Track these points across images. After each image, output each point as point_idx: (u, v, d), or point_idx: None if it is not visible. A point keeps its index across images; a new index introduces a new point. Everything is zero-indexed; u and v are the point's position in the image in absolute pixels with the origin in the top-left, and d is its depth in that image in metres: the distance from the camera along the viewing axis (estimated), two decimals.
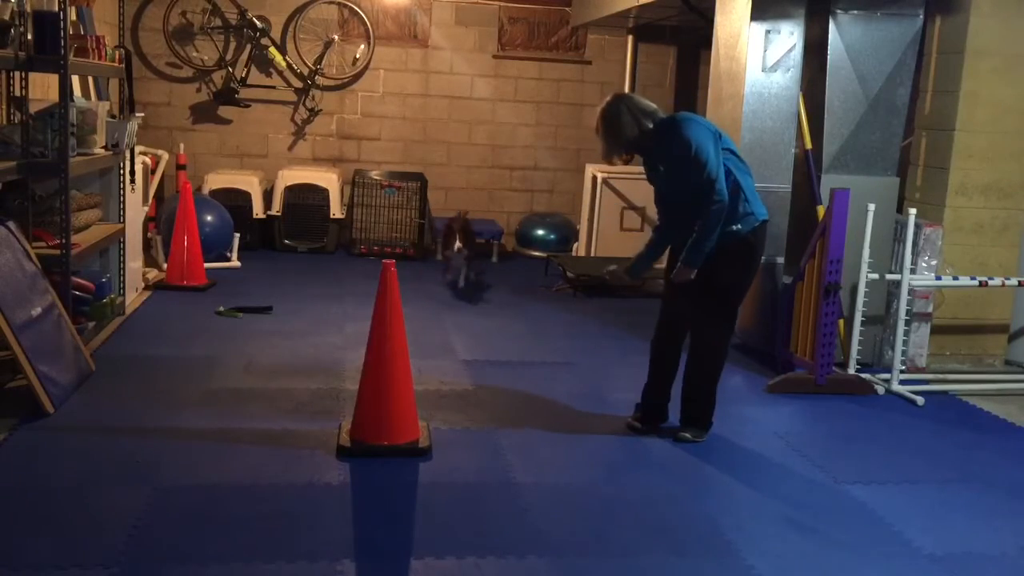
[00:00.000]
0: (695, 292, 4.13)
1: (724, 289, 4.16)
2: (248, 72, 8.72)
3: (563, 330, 6.32)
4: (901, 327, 5.20)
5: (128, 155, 6.09)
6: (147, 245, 7.23)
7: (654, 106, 4.17)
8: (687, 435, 4.27)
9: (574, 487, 3.76)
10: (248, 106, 8.75)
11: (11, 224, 4.48)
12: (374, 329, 3.91)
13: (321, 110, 8.90)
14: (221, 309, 6.10)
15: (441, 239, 7.77)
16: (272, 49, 8.68)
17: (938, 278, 5.41)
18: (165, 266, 7.03)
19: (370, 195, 8.73)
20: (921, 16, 5.48)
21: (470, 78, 9.14)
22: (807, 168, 5.56)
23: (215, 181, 8.34)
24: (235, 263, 7.72)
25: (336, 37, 8.81)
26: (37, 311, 4.33)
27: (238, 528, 3.23)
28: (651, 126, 4.11)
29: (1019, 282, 5.39)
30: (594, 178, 8.38)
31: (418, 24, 9.00)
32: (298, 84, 8.83)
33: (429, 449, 3.94)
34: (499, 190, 9.38)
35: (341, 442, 3.93)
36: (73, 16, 5.63)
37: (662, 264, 4.44)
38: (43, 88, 5.68)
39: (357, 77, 8.97)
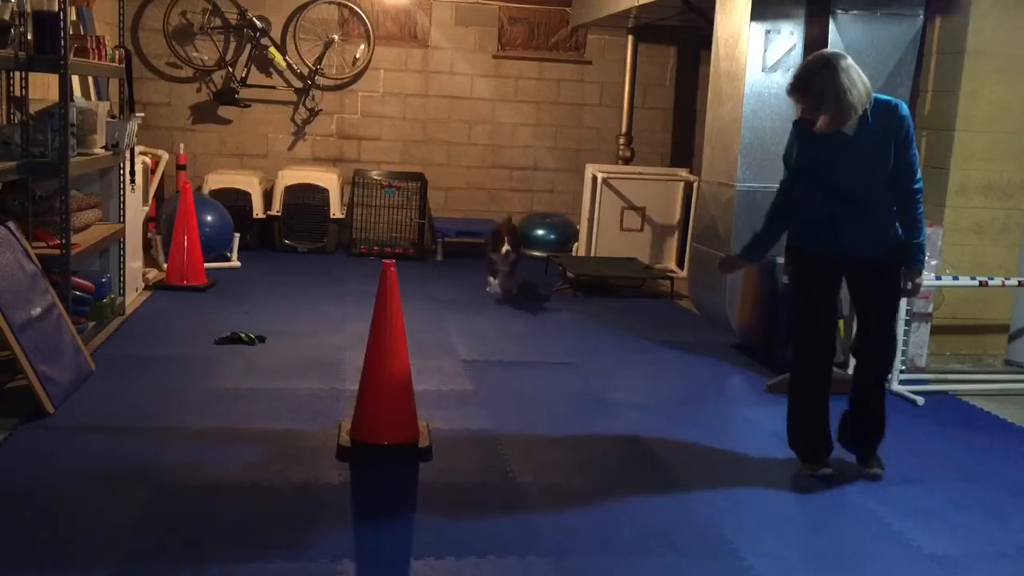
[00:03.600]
0: (883, 296, 3.83)
1: (901, 290, 3.84)
2: (248, 72, 8.72)
3: (563, 330, 6.32)
4: (901, 327, 5.20)
5: (128, 155, 6.09)
6: (147, 245, 7.23)
7: None
8: (878, 470, 3.95)
9: (574, 487, 3.76)
10: (248, 106, 8.76)
11: (11, 224, 4.48)
12: (374, 329, 3.91)
13: (321, 110, 8.90)
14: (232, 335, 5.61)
15: (489, 241, 7.37)
16: (272, 49, 8.68)
17: (938, 278, 5.41)
18: (165, 266, 7.03)
19: (370, 195, 8.73)
20: (921, 16, 5.48)
21: (470, 78, 9.14)
22: None
23: (215, 181, 8.34)
24: (235, 263, 7.72)
25: (336, 37, 8.81)
26: (37, 311, 4.33)
27: (238, 528, 3.23)
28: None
29: (1019, 282, 5.39)
30: (594, 178, 8.39)
31: (418, 24, 9.00)
32: (298, 84, 8.84)
33: (429, 449, 3.94)
34: (499, 190, 9.38)
35: (341, 442, 3.93)
36: (73, 16, 5.63)
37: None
38: (43, 88, 5.68)
39: (357, 77, 8.97)
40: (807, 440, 4.00)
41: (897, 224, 3.73)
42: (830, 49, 3.71)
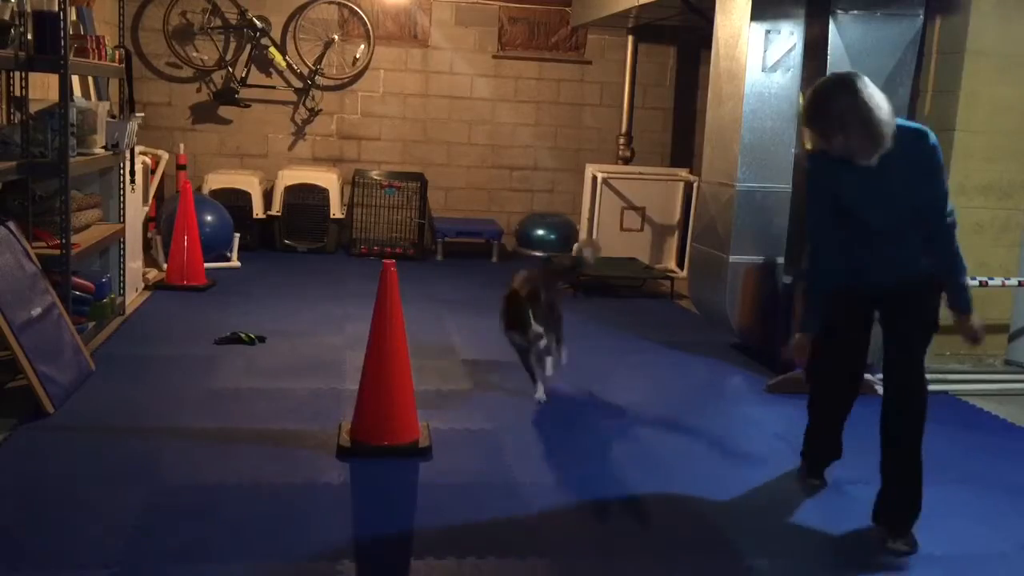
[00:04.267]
0: (912, 326, 3.43)
1: (933, 323, 3.48)
2: (248, 72, 8.72)
3: (563, 330, 6.31)
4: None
5: (128, 155, 6.09)
6: (147, 245, 7.23)
7: None
8: (905, 545, 3.34)
9: (574, 487, 3.76)
10: (248, 106, 8.75)
11: (11, 224, 4.48)
12: (374, 329, 3.91)
13: (321, 110, 8.90)
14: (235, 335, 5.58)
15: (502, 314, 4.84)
16: (272, 49, 8.68)
17: None
18: (165, 266, 7.03)
19: (370, 195, 8.73)
20: (921, 16, 5.48)
21: (470, 78, 9.14)
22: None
23: (215, 181, 8.34)
24: (235, 263, 7.72)
25: (336, 37, 8.81)
26: (37, 311, 4.33)
27: (238, 528, 3.23)
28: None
29: (1019, 282, 5.39)
30: (594, 178, 8.39)
31: (418, 24, 9.00)
32: (298, 84, 8.84)
33: (429, 449, 3.94)
34: (499, 190, 9.38)
35: (341, 442, 3.93)
36: (73, 16, 5.62)
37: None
38: (43, 88, 5.68)
39: (357, 77, 8.97)
40: (812, 453, 3.91)
41: (923, 255, 3.37)
42: (844, 71, 3.28)
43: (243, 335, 5.49)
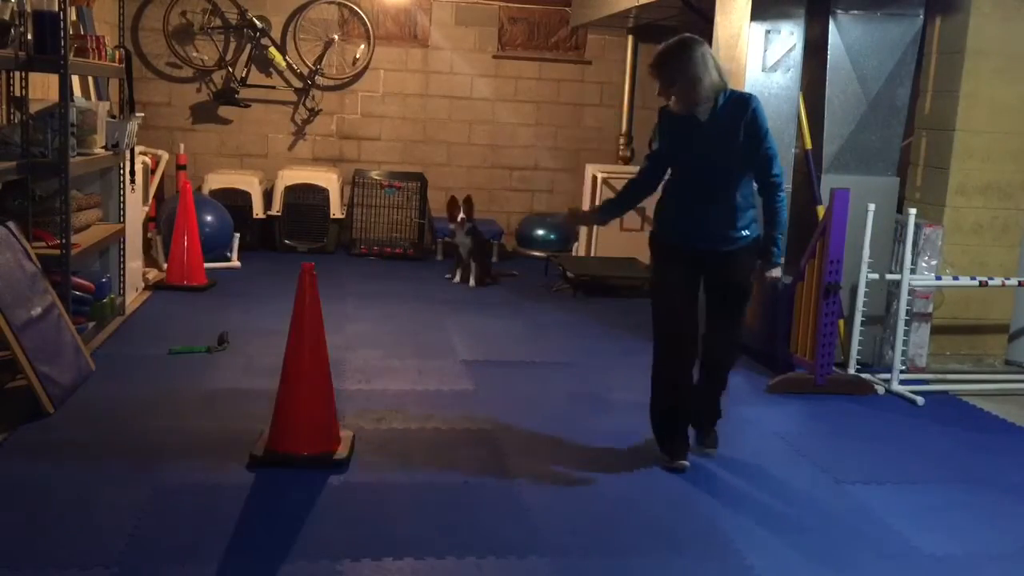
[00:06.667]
0: (734, 294, 3.91)
1: (748, 290, 3.95)
2: (248, 72, 8.71)
3: (563, 330, 6.32)
4: (901, 327, 5.21)
5: (128, 155, 6.09)
6: (147, 245, 7.23)
7: None
8: (714, 448, 4.17)
9: (574, 487, 3.76)
10: (248, 106, 8.75)
11: (11, 224, 4.48)
12: (291, 336, 3.84)
13: (321, 110, 8.90)
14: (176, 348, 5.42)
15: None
16: (272, 49, 8.68)
17: (938, 278, 5.41)
18: (165, 266, 7.03)
19: (370, 195, 8.73)
20: (921, 16, 5.48)
21: (470, 78, 9.14)
22: (807, 168, 5.56)
23: (215, 181, 8.34)
24: (235, 263, 7.72)
25: (336, 37, 8.81)
26: (37, 311, 4.33)
27: (238, 528, 3.23)
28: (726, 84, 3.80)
29: (1019, 282, 5.39)
30: (594, 178, 8.39)
31: (418, 24, 9.00)
32: (298, 84, 8.83)
33: (346, 460, 3.79)
34: (499, 190, 9.38)
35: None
36: (73, 16, 5.62)
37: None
38: (43, 88, 5.68)
39: (357, 77, 8.97)
40: (664, 428, 4.07)
41: (746, 218, 3.80)
42: (692, 35, 3.77)
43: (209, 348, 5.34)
